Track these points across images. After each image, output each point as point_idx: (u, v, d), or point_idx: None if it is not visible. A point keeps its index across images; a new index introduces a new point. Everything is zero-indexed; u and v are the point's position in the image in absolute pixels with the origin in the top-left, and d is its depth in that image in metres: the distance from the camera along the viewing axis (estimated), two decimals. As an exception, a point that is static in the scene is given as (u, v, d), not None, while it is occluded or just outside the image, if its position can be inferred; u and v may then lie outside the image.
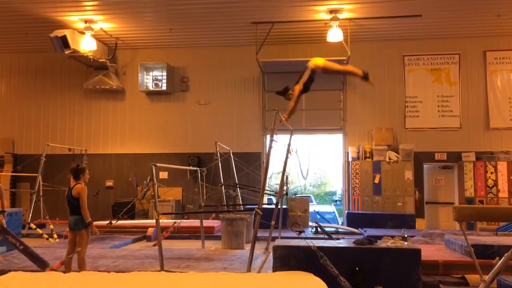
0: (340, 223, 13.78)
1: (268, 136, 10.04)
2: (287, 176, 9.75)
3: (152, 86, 13.45)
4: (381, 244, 5.76)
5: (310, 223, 11.69)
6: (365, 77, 8.47)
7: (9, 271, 5.02)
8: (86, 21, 11.50)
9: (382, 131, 12.44)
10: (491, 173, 11.83)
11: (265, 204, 12.80)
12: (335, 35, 11.26)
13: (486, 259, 5.40)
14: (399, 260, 5.34)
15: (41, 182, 11.38)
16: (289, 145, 7.96)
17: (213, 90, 13.46)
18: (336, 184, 27.32)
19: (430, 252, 6.74)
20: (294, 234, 7.45)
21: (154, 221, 6.53)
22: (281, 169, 8.53)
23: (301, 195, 19.78)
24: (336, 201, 26.59)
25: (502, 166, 11.80)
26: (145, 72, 13.46)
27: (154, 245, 8.81)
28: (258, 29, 11.73)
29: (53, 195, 11.69)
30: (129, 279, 4.57)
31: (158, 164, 6.89)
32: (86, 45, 11.80)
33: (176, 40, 13.12)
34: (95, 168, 12.65)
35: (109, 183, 13.46)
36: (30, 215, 11.18)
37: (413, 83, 12.88)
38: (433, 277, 5.95)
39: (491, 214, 4.94)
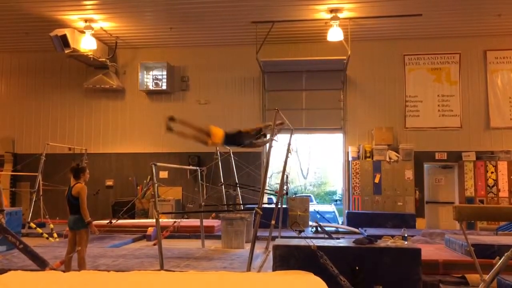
0: (340, 222, 13.77)
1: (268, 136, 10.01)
2: (287, 176, 9.76)
3: (152, 86, 13.44)
4: (381, 243, 5.75)
5: (310, 223, 11.69)
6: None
7: (9, 270, 5.01)
8: (86, 20, 11.50)
9: (382, 131, 12.43)
10: (492, 172, 11.83)
11: (265, 203, 12.79)
12: (335, 34, 11.25)
13: (486, 258, 5.37)
14: (399, 260, 5.32)
15: (41, 182, 11.40)
16: (289, 144, 7.95)
17: (213, 89, 13.45)
18: (336, 183, 27.26)
19: (430, 252, 6.72)
20: (294, 234, 7.42)
21: (154, 220, 6.53)
22: (281, 168, 8.53)
23: (301, 194, 19.75)
24: (336, 200, 26.53)
25: (503, 166, 11.81)
26: (145, 72, 13.45)
27: (154, 244, 8.81)
28: (258, 29, 11.72)
29: (53, 195, 11.71)
30: (129, 279, 4.55)
31: (158, 164, 6.89)
32: (86, 44, 11.80)
33: (176, 40, 13.11)
34: (95, 167, 12.64)
35: (109, 182, 13.47)
36: (30, 214, 11.21)
37: (413, 83, 12.86)
38: (433, 276, 5.94)
39: (491, 213, 4.91)
